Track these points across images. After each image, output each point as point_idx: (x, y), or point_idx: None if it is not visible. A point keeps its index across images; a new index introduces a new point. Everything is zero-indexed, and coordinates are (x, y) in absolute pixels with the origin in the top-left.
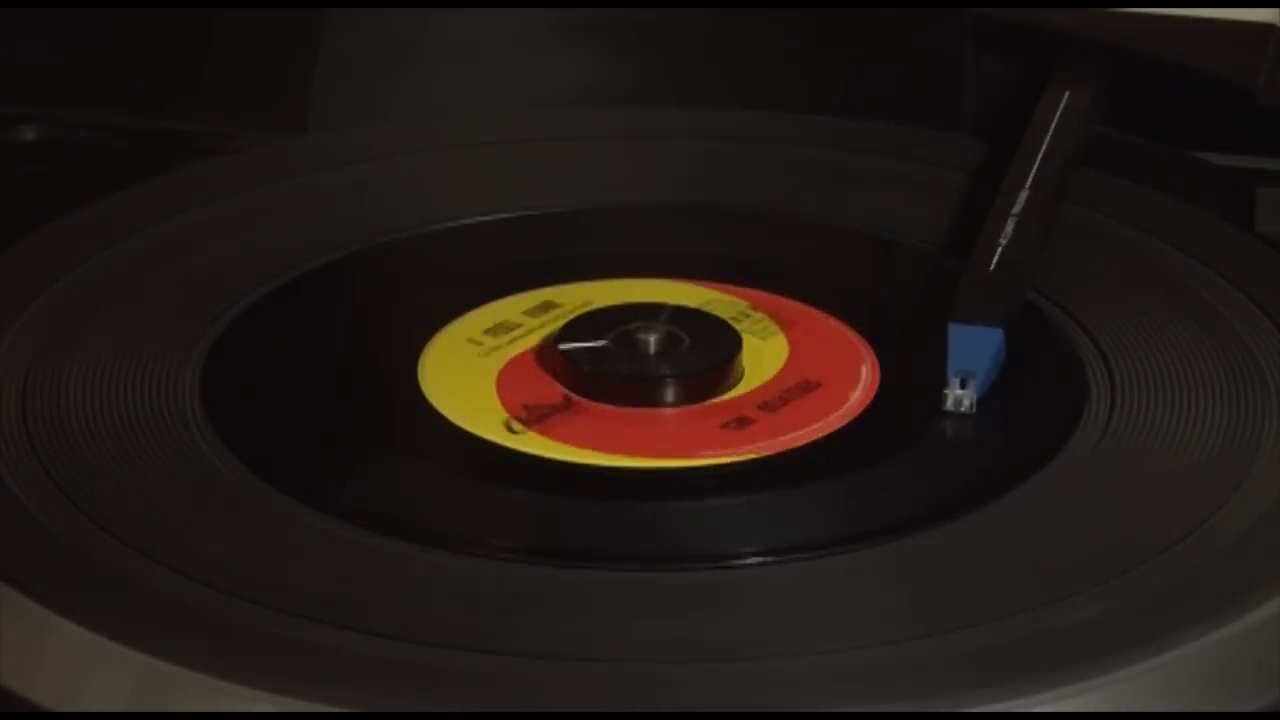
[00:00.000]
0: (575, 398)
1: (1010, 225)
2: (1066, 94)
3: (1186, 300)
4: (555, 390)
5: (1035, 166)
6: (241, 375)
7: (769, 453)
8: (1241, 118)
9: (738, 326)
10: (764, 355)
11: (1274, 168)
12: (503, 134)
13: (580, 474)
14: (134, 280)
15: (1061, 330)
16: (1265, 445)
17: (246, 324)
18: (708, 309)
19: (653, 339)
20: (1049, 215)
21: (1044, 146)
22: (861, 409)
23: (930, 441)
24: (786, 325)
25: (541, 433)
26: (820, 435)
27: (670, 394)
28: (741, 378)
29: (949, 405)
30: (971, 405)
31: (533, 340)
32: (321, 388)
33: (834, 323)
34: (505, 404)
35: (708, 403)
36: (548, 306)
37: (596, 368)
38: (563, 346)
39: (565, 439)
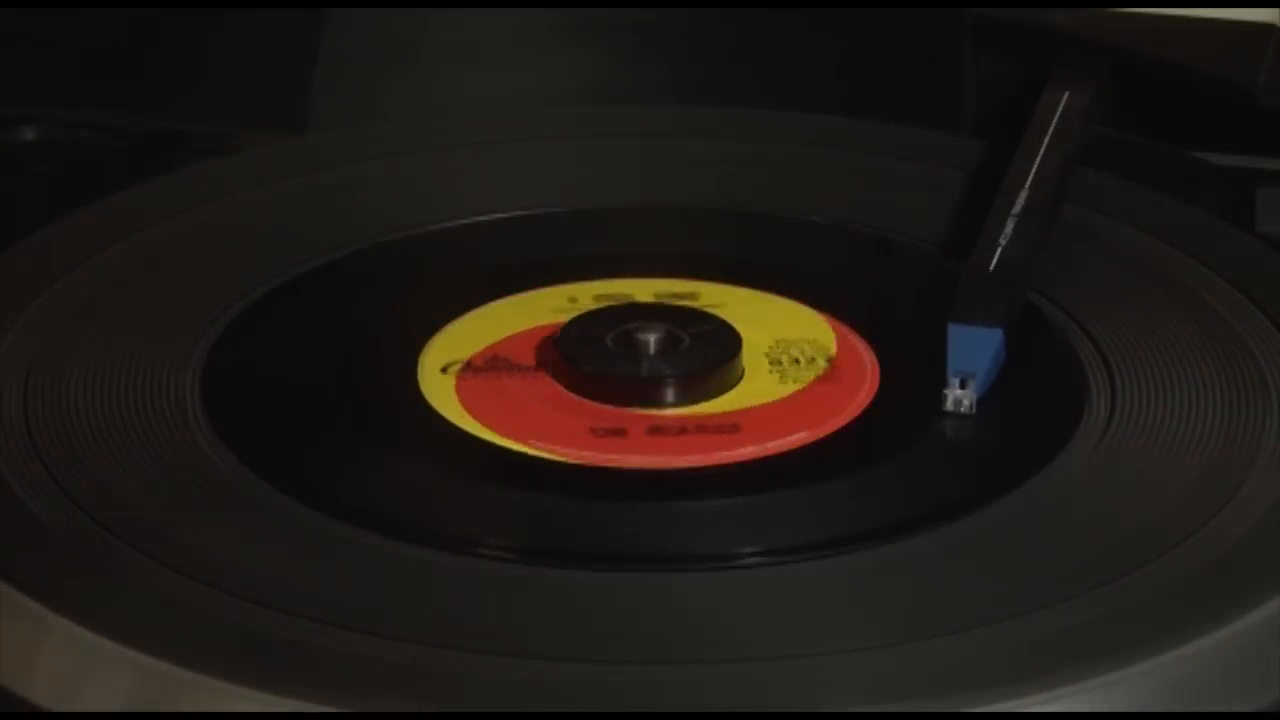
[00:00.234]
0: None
1: (1010, 225)
2: (1066, 94)
3: (1186, 300)
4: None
5: (1035, 166)
6: (241, 375)
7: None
8: (1241, 118)
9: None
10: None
11: (1274, 168)
12: (502, 134)
13: (580, 474)
14: (134, 280)
15: (1061, 330)
16: (1265, 446)
17: (246, 324)
18: (708, 308)
19: (652, 339)
20: (1049, 215)
21: (1044, 146)
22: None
23: (930, 442)
24: None
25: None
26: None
27: (670, 394)
28: (742, 377)
29: (949, 405)
30: (971, 405)
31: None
32: (321, 388)
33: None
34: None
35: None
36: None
37: (596, 368)
38: (561, 346)
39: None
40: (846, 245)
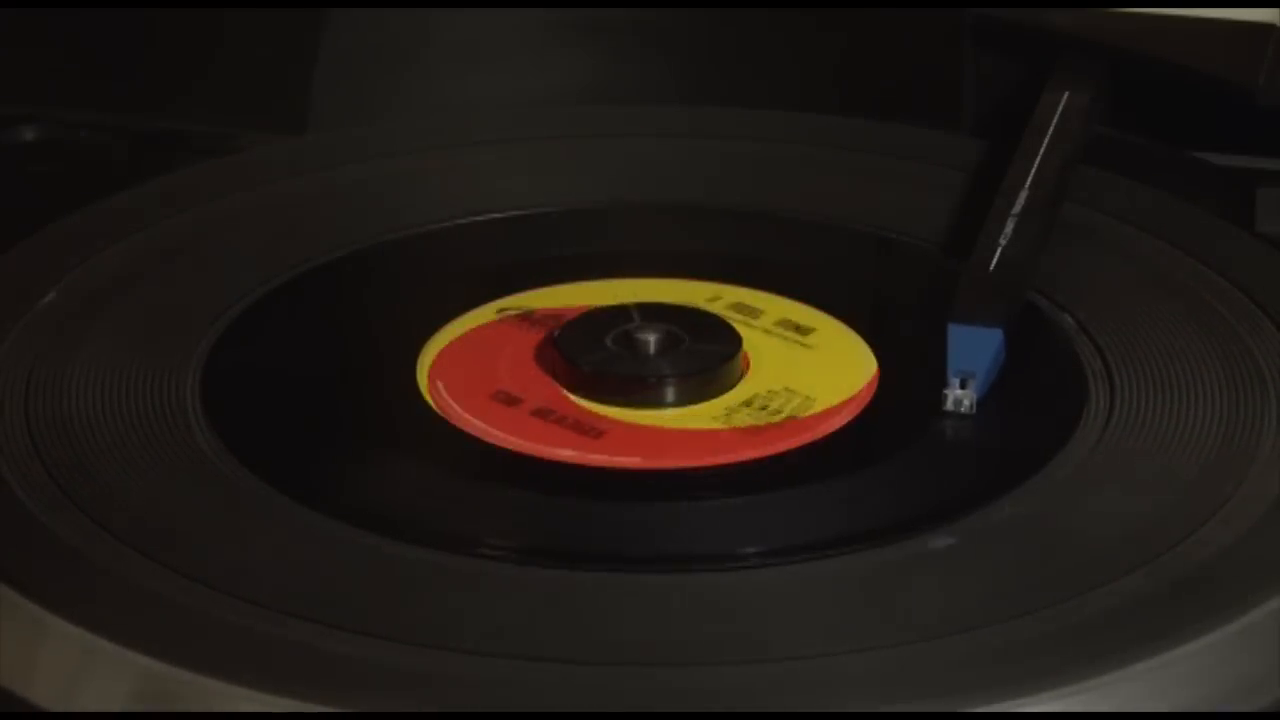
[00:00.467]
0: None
1: (1010, 225)
2: (1066, 94)
3: (1186, 300)
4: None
5: (1035, 166)
6: (242, 375)
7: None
8: (1241, 118)
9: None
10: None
11: (1274, 168)
12: (502, 133)
13: (580, 474)
14: (134, 280)
15: (1061, 330)
16: (1265, 445)
17: (247, 323)
18: (707, 308)
19: (653, 339)
20: (1049, 215)
21: (1044, 146)
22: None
23: (930, 442)
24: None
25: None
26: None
27: (670, 394)
28: (742, 376)
29: (949, 405)
30: (971, 405)
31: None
32: (322, 388)
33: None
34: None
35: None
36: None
37: (595, 367)
38: (560, 345)
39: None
40: (846, 245)
